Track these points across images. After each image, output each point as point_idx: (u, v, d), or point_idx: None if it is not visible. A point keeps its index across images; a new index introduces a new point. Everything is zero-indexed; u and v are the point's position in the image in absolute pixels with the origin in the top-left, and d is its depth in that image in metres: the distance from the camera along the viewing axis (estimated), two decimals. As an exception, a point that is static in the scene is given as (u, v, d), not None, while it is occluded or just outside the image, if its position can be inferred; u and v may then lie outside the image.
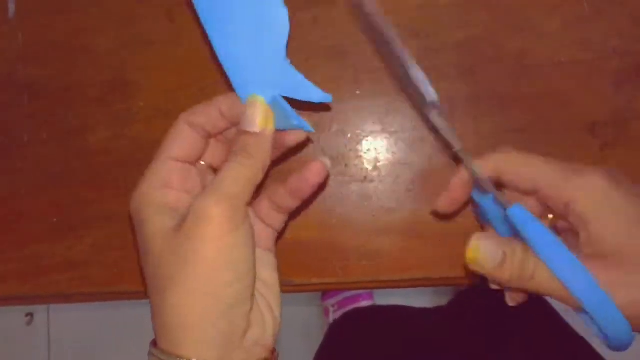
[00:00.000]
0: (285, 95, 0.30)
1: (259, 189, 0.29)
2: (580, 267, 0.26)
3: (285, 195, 0.30)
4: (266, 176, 0.30)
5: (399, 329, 0.69)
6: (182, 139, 0.30)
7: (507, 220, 0.29)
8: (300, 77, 0.30)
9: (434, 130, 0.32)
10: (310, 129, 0.30)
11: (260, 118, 0.29)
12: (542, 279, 0.27)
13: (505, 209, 0.29)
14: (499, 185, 0.31)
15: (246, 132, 0.29)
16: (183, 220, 0.27)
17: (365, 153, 0.38)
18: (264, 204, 0.31)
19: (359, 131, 0.38)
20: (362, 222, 0.38)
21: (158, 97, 0.40)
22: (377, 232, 0.38)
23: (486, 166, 0.30)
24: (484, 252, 0.28)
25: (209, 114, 0.30)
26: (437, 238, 0.37)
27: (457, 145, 0.31)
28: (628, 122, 0.36)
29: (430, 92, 0.31)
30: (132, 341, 1.25)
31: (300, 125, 0.30)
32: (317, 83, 0.38)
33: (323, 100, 0.30)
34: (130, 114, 0.40)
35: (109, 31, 0.41)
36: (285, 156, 0.34)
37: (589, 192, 0.28)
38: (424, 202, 0.37)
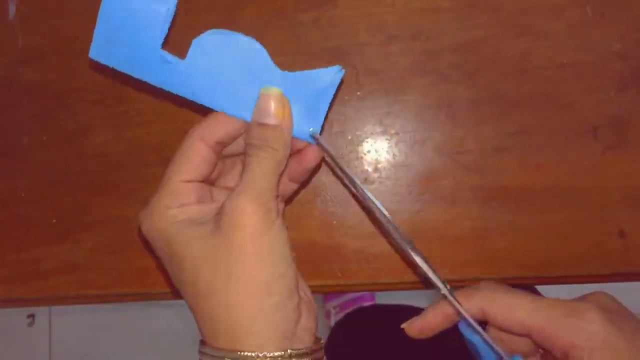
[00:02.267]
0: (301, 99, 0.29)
1: None
2: None
3: (283, 180, 0.31)
4: None
5: (400, 327, 0.69)
6: (197, 159, 0.29)
7: (479, 345, 0.30)
8: (299, 73, 0.29)
9: (414, 266, 0.32)
10: (311, 140, 0.30)
11: (276, 109, 0.28)
12: None
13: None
14: (486, 322, 0.31)
15: (264, 125, 0.28)
16: (216, 223, 0.27)
17: (365, 155, 0.38)
18: None
19: (359, 133, 0.38)
20: (362, 225, 0.38)
21: (157, 100, 0.40)
22: (377, 235, 0.37)
23: (471, 306, 0.30)
24: None
25: (228, 124, 0.29)
26: (437, 241, 0.37)
27: (441, 286, 0.30)
28: (630, 125, 0.36)
29: (404, 237, 0.31)
30: (133, 343, 1.26)
31: (304, 134, 0.30)
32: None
33: (336, 77, 0.29)
34: (129, 117, 0.40)
35: (109, 33, 0.41)
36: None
37: (587, 339, 0.27)
38: (424, 204, 0.37)
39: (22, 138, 0.41)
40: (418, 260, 0.30)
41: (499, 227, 0.36)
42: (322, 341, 0.29)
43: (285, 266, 0.27)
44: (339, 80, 0.30)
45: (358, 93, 0.38)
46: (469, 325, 0.30)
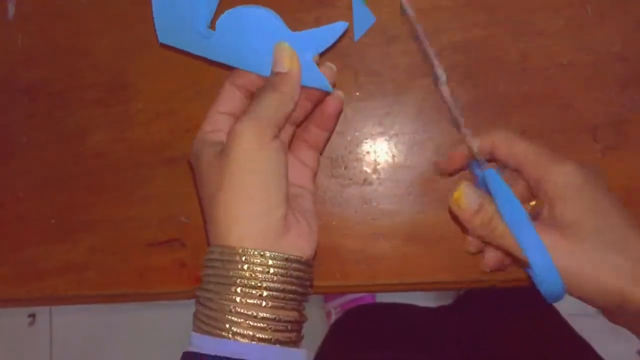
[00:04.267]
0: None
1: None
2: (531, 228, 0.30)
3: (314, 130, 0.36)
4: (293, 135, 0.36)
5: (400, 325, 0.69)
6: (228, 98, 0.35)
7: (483, 182, 0.33)
8: (309, 31, 0.33)
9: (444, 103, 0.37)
10: (330, 88, 0.34)
11: (286, 60, 0.33)
12: (502, 234, 0.31)
13: (483, 172, 0.33)
14: (493, 160, 0.35)
15: (276, 73, 0.33)
16: (225, 143, 0.32)
17: (364, 156, 0.38)
18: (300, 146, 0.36)
19: (358, 133, 0.38)
20: (362, 225, 0.38)
21: (156, 100, 0.40)
22: (376, 236, 0.37)
23: (483, 142, 0.34)
24: (467, 196, 0.32)
25: (248, 76, 0.35)
26: (436, 242, 0.37)
27: (461, 123, 0.35)
28: (630, 125, 0.36)
29: (440, 73, 0.36)
30: (133, 342, 1.26)
31: (322, 83, 0.34)
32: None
33: (341, 29, 0.34)
34: (128, 117, 0.40)
35: (108, 34, 0.41)
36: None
37: (561, 175, 0.31)
38: (424, 205, 0.37)
39: (21, 138, 0.41)
40: (446, 96, 0.36)
41: (498, 228, 0.36)
42: (308, 260, 0.32)
43: (276, 180, 0.31)
44: (342, 32, 0.34)
45: (357, 94, 0.38)
46: (476, 157, 0.34)
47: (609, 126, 0.36)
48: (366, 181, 0.38)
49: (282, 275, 0.30)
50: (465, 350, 0.62)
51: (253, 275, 0.29)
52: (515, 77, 0.37)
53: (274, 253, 0.30)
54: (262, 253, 0.30)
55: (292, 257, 0.31)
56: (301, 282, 0.31)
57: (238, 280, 0.29)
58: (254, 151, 0.31)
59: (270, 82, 0.33)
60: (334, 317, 1.08)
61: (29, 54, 0.42)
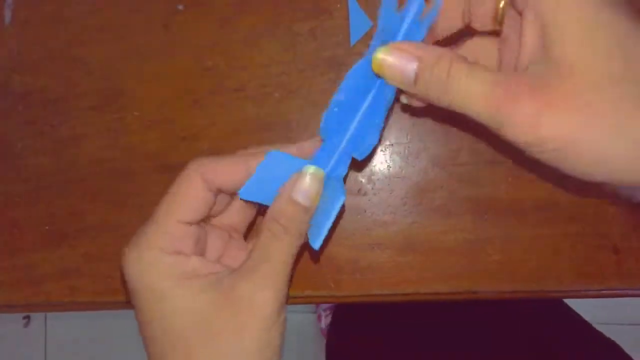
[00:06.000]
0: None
1: None
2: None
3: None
4: None
5: (397, 325, 0.67)
6: (196, 199, 0.25)
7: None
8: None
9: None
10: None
11: (316, 193, 0.25)
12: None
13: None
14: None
15: (296, 203, 0.25)
16: (220, 297, 0.24)
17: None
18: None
19: (353, 144, 0.38)
20: (356, 235, 0.38)
21: (152, 108, 0.40)
22: (371, 246, 0.37)
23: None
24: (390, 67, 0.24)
25: (235, 172, 0.26)
26: (431, 252, 0.37)
27: None
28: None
29: None
30: (128, 345, 1.25)
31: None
32: (312, 94, 0.38)
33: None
34: (124, 124, 0.40)
35: (105, 41, 0.41)
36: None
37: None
38: (419, 216, 0.37)
39: (17, 144, 0.41)
40: None
41: (492, 240, 0.36)
42: None
43: (277, 354, 0.26)
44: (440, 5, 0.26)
45: (353, 103, 0.38)
46: None
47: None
48: (361, 191, 0.38)
49: None
50: (459, 343, 0.60)
51: None
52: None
53: None
54: None
55: None
56: None
57: None
58: (270, 325, 0.24)
59: (286, 216, 0.25)
60: (323, 319, 1.08)
61: (25, 60, 0.42)
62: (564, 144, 0.20)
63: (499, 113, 0.21)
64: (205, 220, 0.28)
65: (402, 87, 0.25)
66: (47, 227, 0.40)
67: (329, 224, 0.27)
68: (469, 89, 0.22)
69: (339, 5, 0.39)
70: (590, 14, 0.20)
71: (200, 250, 0.27)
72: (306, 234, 0.27)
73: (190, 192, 0.25)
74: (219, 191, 0.27)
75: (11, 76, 0.42)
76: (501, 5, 0.24)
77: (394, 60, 0.24)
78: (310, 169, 0.26)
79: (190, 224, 0.26)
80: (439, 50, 0.23)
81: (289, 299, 0.38)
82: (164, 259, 0.24)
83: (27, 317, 1.28)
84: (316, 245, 0.27)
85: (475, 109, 0.23)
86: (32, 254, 0.40)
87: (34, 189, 0.41)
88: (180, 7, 0.40)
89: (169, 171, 0.39)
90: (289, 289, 0.26)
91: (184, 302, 0.24)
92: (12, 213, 0.41)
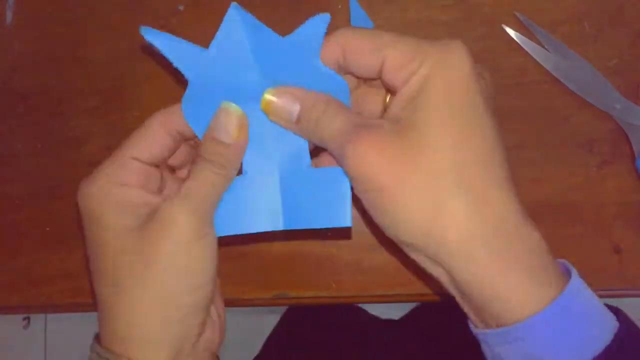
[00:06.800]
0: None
1: None
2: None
3: None
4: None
5: (345, 329, 0.64)
6: (152, 141, 0.27)
7: None
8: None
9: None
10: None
11: (234, 128, 0.26)
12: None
13: None
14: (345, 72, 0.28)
15: (218, 141, 0.26)
16: (146, 222, 0.26)
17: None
18: None
19: (355, 145, 0.38)
20: (358, 237, 0.38)
21: (153, 108, 0.39)
22: (372, 247, 0.37)
23: (331, 45, 0.27)
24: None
25: None
26: (432, 254, 0.37)
27: None
28: (626, 140, 0.36)
29: None
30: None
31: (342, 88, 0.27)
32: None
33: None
34: (124, 125, 0.40)
35: (105, 42, 0.41)
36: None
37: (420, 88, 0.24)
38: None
39: (17, 145, 0.41)
40: None
41: (494, 241, 0.36)
42: (215, 352, 0.29)
43: (204, 282, 0.27)
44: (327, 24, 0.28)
45: (354, 104, 0.38)
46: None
47: (606, 140, 0.36)
48: (362, 192, 0.38)
49: None
50: (411, 341, 0.59)
51: None
52: (511, 91, 0.37)
53: None
54: None
55: None
56: None
57: None
58: (188, 244, 0.25)
59: (209, 151, 0.26)
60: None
61: (26, 61, 0.42)
62: (381, 186, 0.23)
63: (342, 147, 0.24)
64: (167, 167, 0.30)
65: (286, 125, 0.27)
66: (47, 229, 0.40)
67: (348, 198, 0.27)
68: (332, 126, 0.25)
69: (340, 6, 0.39)
70: (462, 103, 0.23)
71: (155, 190, 0.29)
72: (237, 165, 0.27)
73: (148, 133, 0.27)
74: (181, 137, 0.28)
75: (12, 77, 0.42)
76: (387, 100, 0.27)
77: (279, 102, 0.26)
78: (224, 104, 0.27)
79: (144, 163, 0.27)
80: (319, 95, 0.26)
81: (292, 300, 0.38)
82: (109, 189, 0.26)
83: (27, 319, 1.28)
84: (347, 222, 0.27)
85: (330, 144, 0.25)
86: (32, 256, 0.40)
87: (33, 190, 0.41)
88: (181, 7, 0.40)
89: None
90: (212, 217, 0.27)
91: (116, 226, 0.26)
92: (12, 215, 0.41)
